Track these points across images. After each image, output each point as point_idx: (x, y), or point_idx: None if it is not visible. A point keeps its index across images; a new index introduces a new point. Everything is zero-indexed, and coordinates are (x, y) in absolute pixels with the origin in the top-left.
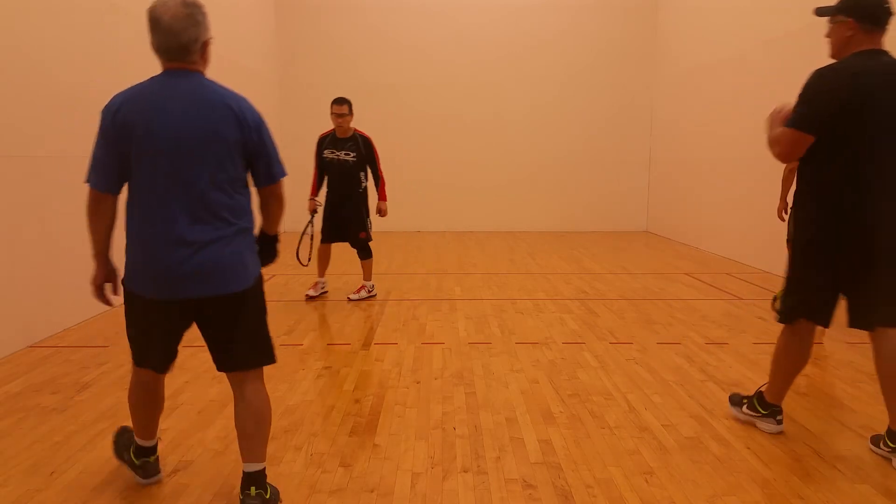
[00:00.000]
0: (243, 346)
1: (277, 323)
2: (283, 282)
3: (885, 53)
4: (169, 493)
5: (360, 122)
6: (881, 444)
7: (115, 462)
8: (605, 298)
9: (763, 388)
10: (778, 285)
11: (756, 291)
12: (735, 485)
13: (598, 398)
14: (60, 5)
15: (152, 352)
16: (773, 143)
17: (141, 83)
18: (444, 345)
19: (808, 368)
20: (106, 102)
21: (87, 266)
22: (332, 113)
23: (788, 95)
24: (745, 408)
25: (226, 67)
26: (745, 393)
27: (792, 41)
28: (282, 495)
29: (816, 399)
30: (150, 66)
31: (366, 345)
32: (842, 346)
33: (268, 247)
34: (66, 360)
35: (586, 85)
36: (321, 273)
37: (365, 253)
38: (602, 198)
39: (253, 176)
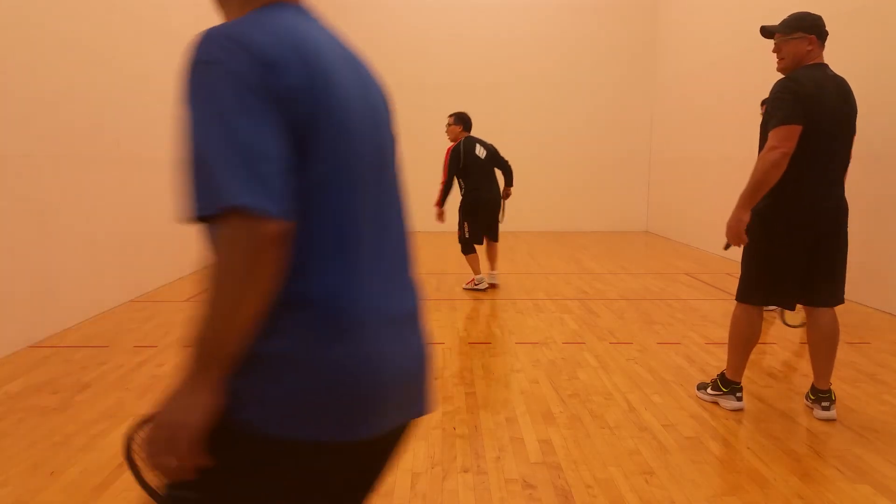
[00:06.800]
0: None
1: None
2: None
3: (827, 67)
4: None
5: None
6: (806, 398)
7: (115, 462)
8: (605, 298)
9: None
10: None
11: None
12: (735, 485)
13: (598, 398)
14: (62, 5)
15: None
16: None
17: (271, 17)
18: (444, 345)
19: (809, 368)
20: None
21: (87, 265)
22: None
23: None
24: (709, 389)
25: None
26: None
27: None
28: None
29: None
30: (149, 65)
31: None
32: (841, 346)
33: None
34: (66, 360)
35: (586, 85)
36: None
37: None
38: (602, 198)
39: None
